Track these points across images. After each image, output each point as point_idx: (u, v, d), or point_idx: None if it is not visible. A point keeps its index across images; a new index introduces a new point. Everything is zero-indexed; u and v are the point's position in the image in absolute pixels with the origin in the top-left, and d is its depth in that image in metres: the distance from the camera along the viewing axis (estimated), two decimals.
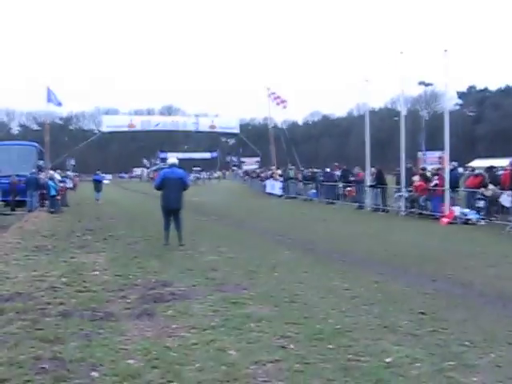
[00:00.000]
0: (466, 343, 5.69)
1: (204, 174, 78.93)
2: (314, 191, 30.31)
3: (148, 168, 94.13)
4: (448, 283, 8.75)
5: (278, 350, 5.47)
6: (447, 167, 19.10)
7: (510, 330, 6.16)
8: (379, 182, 22.71)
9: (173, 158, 13.58)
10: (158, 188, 13.45)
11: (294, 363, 5.10)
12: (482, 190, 17.16)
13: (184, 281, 8.82)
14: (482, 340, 5.81)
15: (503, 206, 15.90)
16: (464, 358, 5.25)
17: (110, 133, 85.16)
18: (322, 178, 30.40)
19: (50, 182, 23.12)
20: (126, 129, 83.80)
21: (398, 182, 21.80)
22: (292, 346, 5.59)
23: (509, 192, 15.65)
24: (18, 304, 7.25)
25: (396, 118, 25.00)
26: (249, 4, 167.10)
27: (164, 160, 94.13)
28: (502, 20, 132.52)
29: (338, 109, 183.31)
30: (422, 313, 6.86)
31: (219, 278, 9.03)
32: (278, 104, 42.02)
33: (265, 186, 38.65)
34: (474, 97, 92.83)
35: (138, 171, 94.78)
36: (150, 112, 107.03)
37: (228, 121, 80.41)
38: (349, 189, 26.61)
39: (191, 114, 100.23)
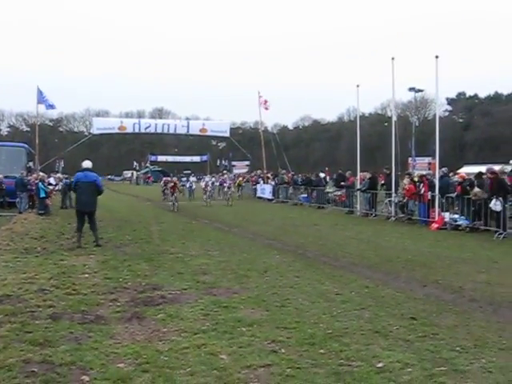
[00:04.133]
0: (457, 348, 5.70)
1: (192, 178, 78.65)
2: (305, 195, 30.35)
3: (138, 171, 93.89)
4: (438, 288, 8.77)
5: (269, 355, 5.45)
6: (437, 173, 19.22)
7: (500, 336, 6.18)
8: (372, 187, 22.75)
9: (86, 162, 13.62)
10: (74, 191, 14.00)
11: (286, 368, 5.09)
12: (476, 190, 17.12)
13: (174, 284, 8.80)
14: (473, 345, 5.82)
15: (492, 212, 15.96)
16: (455, 364, 5.26)
17: (101, 135, 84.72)
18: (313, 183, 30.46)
19: (40, 184, 22.95)
20: (116, 131, 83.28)
21: (388, 188, 21.84)
22: (283, 351, 5.57)
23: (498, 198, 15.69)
24: (7, 306, 7.21)
25: (386, 124, 25.08)
26: (241, 8, 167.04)
27: (154, 163, 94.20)
28: (492, 27, 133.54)
29: (329, 114, 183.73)
30: (413, 318, 6.86)
31: (210, 282, 9.02)
32: (261, 104, 42.30)
33: (255, 190, 38.64)
34: (463, 103, 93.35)
35: (128, 174, 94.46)
36: (140, 115, 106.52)
37: (219, 124, 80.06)
38: (339, 193, 26.73)
39: (182, 117, 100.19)
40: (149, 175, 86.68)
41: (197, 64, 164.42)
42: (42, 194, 22.80)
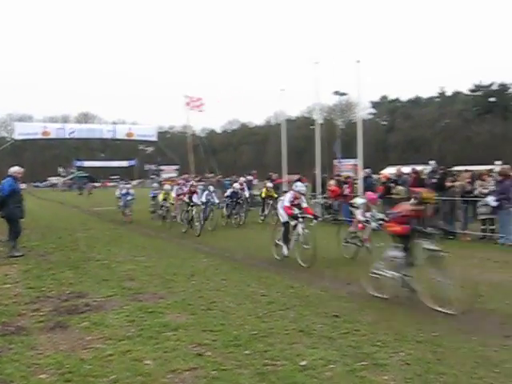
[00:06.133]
0: (378, 343, 5.91)
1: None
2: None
3: (64, 177, 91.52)
4: (361, 286, 9.00)
5: (194, 358, 5.48)
6: (361, 174, 19.73)
7: (419, 329, 6.46)
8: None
9: (11, 168, 13.30)
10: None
11: (211, 370, 5.13)
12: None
13: (100, 291, 8.67)
14: (393, 340, 6.05)
15: None
16: (375, 358, 5.46)
17: (23, 140, 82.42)
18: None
19: None
20: (39, 136, 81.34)
21: (314, 189, 22.21)
22: (209, 354, 5.61)
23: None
24: None
25: (312, 127, 25.55)
26: (167, 10, 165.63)
27: (81, 168, 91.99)
28: (413, 33, 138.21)
29: (257, 117, 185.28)
30: (336, 316, 7.05)
31: (136, 288, 8.94)
32: (194, 107, 42.06)
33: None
34: (386, 107, 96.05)
35: (53, 180, 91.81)
36: (65, 119, 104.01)
37: (146, 129, 79.52)
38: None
39: (109, 121, 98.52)
40: (73, 181, 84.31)
41: (124, 67, 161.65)
42: None
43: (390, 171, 34.35)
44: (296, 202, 12.16)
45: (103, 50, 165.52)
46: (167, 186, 22.85)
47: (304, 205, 12.27)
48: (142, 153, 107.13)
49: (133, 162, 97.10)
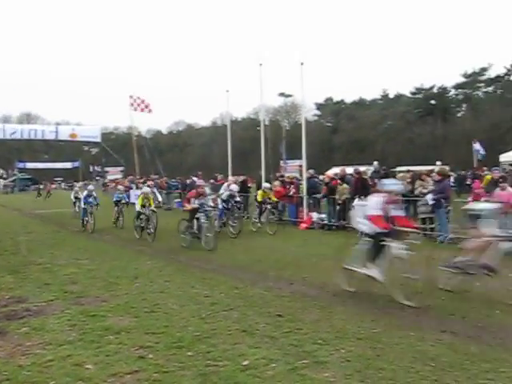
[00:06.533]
0: (319, 341, 6.02)
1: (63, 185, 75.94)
2: (179, 200, 30.24)
3: (5, 179, 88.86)
4: (304, 285, 9.15)
5: (136, 361, 5.46)
6: (304, 175, 19.98)
7: (359, 327, 6.60)
8: (243, 190, 23.18)
9: None
10: None
11: (153, 373, 5.12)
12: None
13: (41, 296, 8.51)
14: (334, 337, 6.17)
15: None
16: (316, 356, 5.55)
17: None
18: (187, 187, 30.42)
19: None
20: None
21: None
22: (151, 356, 5.60)
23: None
24: None
25: (258, 128, 25.75)
26: (114, 10, 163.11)
27: (23, 170, 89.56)
28: (356, 36, 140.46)
29: (203, 118, 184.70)
30: (279, 315, 7.13)
31: (78, 292, 8.82)
32: (142, 110, 41.77)
33: (129, 196, 37.90)
34: (330, 108, 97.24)
35: None
36: (6, 120, 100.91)
37: (89, 129, 77.88)
38: (213, 197, 26.99)
39: (52, 122, 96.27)
40: (14, 183, 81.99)
41: (68, 66, 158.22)
42: None
43: (334, 171, 34.93)
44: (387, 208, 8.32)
45: (45, 48, 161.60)
46: (146, 189, 18.39)
47: (395, 212, 8.38)
48: (87, 154, 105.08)
49: (77, 164, 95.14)
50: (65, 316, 7.26)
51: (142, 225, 16.74)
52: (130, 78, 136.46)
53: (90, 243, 15.82)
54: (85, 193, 20.86)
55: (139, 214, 16.85)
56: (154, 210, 17.08)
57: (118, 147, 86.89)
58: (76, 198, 24.26)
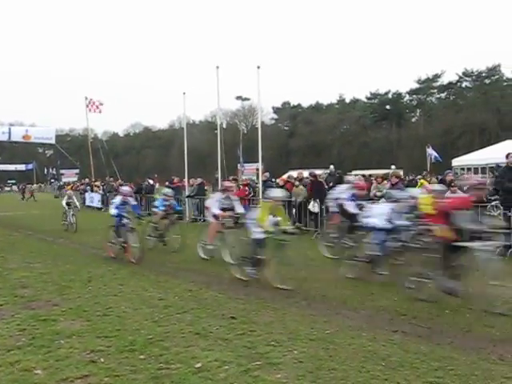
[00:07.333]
0: (272, 343, 6.03)
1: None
2: (135, 203, 29.89)
3: None
4: (258, 288, 9.15)
5: (87, 365, 5.38)
6: (260, 178, 20.07)
7: (312, 328, 6.64)
8: (200, 193, 23.14)
9: None
10: None
11: (104, 377, 5.06)
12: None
13: None
14: (287, 339, 6.19)
15: (311, 213, 16.99)
16: (269, 357, 5.57)
17: None
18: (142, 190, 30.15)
19: None
20: None
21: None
22: (102, 360, 5.52)
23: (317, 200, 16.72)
24: None
25: (216, 131, 25.74)
26: (69, 8, 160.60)
27: None
28: (314, 42, 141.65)
29: (161, 121, 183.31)
30: (233, 317, 7.13)
31: (29, 296, 8.66)
32: (94, 111, 41.30)
33: (84, 199, 37.38)
34: (288, 112, 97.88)
35: None
36: None
37: (43, 131, 76.20)
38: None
39: (5, 122, 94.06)
40: None
41: (22, 66, 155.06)
42: None
43: (291, 175, 35.16)
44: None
45: None
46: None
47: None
48: (41, 156, 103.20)
49: (31, 166, 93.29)
50: (14, 321, 7.10)
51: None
52: (86, 78, 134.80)
53: (42, 246, 15.52)
54: (118, 200, 14.29)
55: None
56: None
57: (73, 149, 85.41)
58: (68, 204, 19.95)
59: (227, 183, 14.67)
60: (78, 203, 19.07)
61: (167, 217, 14.73)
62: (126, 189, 15.92)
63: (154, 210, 15.81)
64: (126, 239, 12.52)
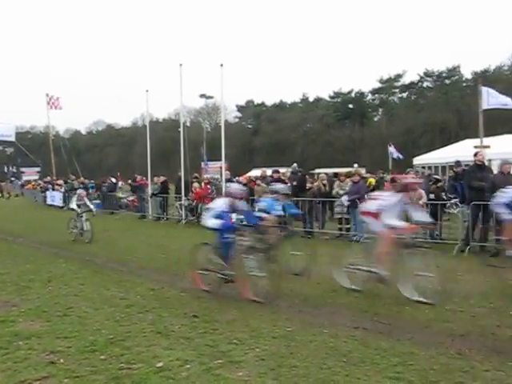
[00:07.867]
0: (234, 341, 6.06)
1: None
2: (98, 201, 29.56)
3: None
4: (221, 286, 9.12)
5: (46, 367, 5.31)
6: (224, 176, 20.06)
7: (274, 325, 6.68)
8: (163, 191, 23.03)
9: None
10: None
11: (63, 378, 5.01)
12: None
13: None
14: (249, 337, 6.22)
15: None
16: (231, 355, 5.59)
17: None
18: (105, 189, 29.86)
19: None
20: None
21: (179, 192, 22.19)
22: (62, 361, 5.46)
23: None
24: None
25: (180, 129, 25.47)
26: (37, 5, 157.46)
27: None
28: (277, 40, 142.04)
29: (124, 118, 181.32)
30: (195, 316, 7.13)
31: None
32: (55, 107, 40.66)
33: (45, 198, 36.78)
34: (251, 110, 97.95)
35: None
36: None
37: (3, 128, 74.79)
38: (131, 198, 26.80)
39: None
40: None
41: None
42: None
43: (255, 173, 35.26)
44: None
45: None
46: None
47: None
48: (1, 154, 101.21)
49: None
50: None
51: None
52: (47, 73, 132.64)
53: (1, 245, 15.21)
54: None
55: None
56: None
57: (34, 147, 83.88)
58: (79, 206, 16.96)
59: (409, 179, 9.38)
60: (92, 206, 17.03)
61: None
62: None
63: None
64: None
